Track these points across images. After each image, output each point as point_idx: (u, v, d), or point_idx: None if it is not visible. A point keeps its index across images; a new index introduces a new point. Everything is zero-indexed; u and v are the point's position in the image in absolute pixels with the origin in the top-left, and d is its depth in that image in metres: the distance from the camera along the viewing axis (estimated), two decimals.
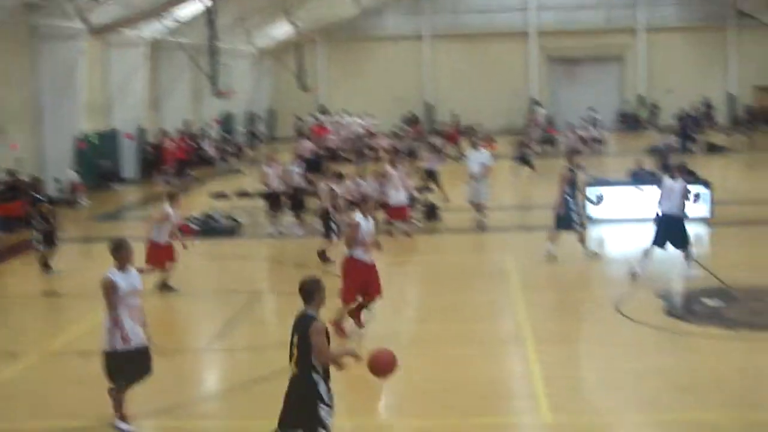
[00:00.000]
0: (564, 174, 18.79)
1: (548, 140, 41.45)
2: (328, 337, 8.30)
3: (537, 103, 51.97)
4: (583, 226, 19.08)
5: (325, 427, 8.24)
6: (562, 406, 10.72)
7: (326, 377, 8.31)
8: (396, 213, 21.60)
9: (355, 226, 13.55)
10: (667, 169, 19.82)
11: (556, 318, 14.77)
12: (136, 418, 10.21)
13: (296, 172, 23.47)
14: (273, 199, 22.86)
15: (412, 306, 16.37)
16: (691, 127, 42.22)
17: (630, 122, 52.66)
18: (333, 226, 19.32)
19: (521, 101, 52.74)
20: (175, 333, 14.71)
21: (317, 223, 20.57)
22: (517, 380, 11.90)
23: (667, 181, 16.87)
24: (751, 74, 53.03)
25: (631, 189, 22.43)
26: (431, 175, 27.50)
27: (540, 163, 33.43)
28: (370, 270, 13.64)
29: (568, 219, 18.61)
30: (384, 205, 21.44)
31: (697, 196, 21.44)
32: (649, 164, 27.22)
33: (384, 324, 14.06)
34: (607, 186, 23.42)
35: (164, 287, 16.60)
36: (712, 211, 22.47)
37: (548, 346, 13.07)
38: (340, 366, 8.40)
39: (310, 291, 8.40)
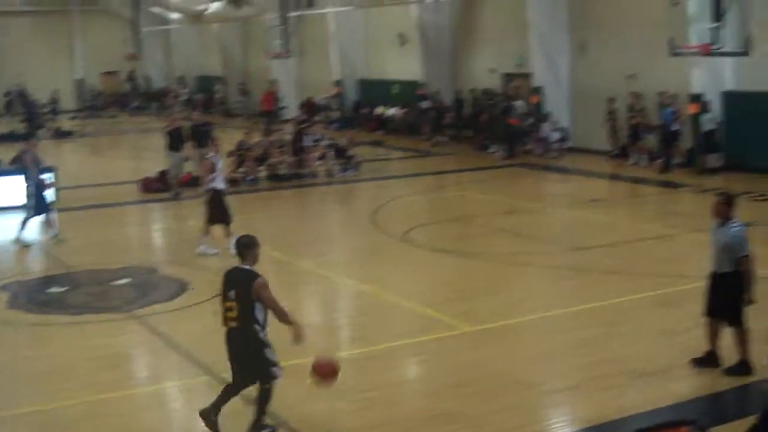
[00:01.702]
0: (27, 158, 18.67)
1: None
2: None
3: None
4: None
5: (275, 364, 8.66)
6: None
7: (264, 327, 8.65)
8: None
9: None
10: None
11: None
12: None
13: None
14: None
15: None
16: (36, 113, 41.85)
17: None
18: None
19: None
20: None
21: None
22: None
23: None
24: (97, 60, 54.15)
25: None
26: None
27: None
28: None
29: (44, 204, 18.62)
30: None
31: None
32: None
33: None
34: None
35: None
36: (57, 196, 22.42)
37: None
38: (287, 320, 8.65)
39: (246, 246, 8.70)
